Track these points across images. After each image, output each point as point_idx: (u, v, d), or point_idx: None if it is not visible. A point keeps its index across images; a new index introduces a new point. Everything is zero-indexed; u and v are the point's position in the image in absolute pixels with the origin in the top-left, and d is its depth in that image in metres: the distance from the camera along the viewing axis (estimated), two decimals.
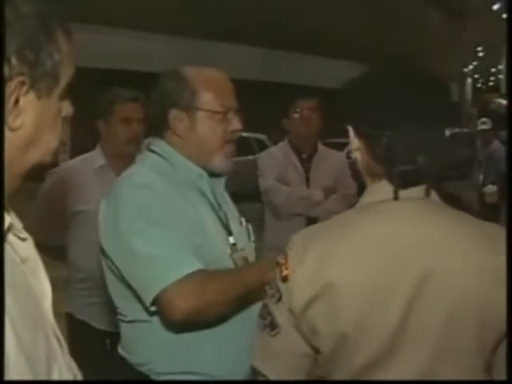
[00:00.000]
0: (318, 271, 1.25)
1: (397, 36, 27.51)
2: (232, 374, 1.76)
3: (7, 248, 0.87)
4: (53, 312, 0.98)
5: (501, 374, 1.26)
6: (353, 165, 1.37)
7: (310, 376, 1.34)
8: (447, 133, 1.35)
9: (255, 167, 3.94)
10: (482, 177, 7.50)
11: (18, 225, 0.94)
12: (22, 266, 0.93)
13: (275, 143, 4.17)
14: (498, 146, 7.67)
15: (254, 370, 1.39)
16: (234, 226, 1.89)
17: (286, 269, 1.30)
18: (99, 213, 1.77)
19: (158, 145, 1.85)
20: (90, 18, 15.52)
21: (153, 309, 1.66)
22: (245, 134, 13.05)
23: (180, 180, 1.80)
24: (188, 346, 1.73)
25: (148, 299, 1.64)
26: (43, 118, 0.91)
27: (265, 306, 1.35)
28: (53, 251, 2.71)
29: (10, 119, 0.85)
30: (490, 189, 7.13)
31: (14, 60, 0.84)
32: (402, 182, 1.27)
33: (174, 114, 1.81)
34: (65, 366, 0.95)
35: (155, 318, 1.72)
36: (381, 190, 1.30)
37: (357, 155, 1.35)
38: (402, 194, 1.28)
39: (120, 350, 1.85)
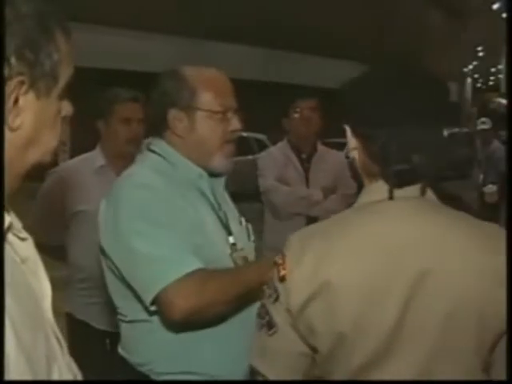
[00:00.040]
0: (316, 271, 1.25)
1: (397, 36, 27.51)
2: (232, 374, 1.76)
3: (7, 248, 0.87)
4: (53, 312, 0.98)
5: (499, 373, 1.26)
6: (351, 164, 1.37)
7: (308, 376, 1.34)
8: (446, 132, 1.35)
9: (255, 167, 3.94)
10: (481, 176, 7.51)
11: (18, 225, 0.94)
12: (22, 265, 0.93)
13: (275, 143, 4.17)
14: (497, 146, 7.67)
15: (252, 369, 1.39)
16: (233, 226, 1.89)
17: (284, 269, 1.30)
18: (99, 213, 1.77)
19: (158, 145, 1.85)
20: (88, 17, 15.52)
21: (153, 308, 1.67)
22: (244, 134, 13.05)
23: (180, 180, 1.80)
24: (188, 345, 1.73)
25: (148, 299, 1.64)
26: (43, 117, 0.91)
27: (263, 306, 1.36)
28: (53, 251, 2.71)
29: (9, 119, 0.85)
30: (490, 188, 7.13)
31: (13, 60, 0.85)
32: (398, 181, 1.28)
33: (173, 114, 1.81)
34: (65, 366, 0.95)
35: (155, 318, 1.72)
36: (378, 189, 1.30)
37: (354, 155, 1.35)
38: (398, 193, 1.29)
39: (120, 350, 1.85)
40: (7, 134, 0.85)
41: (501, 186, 6.96)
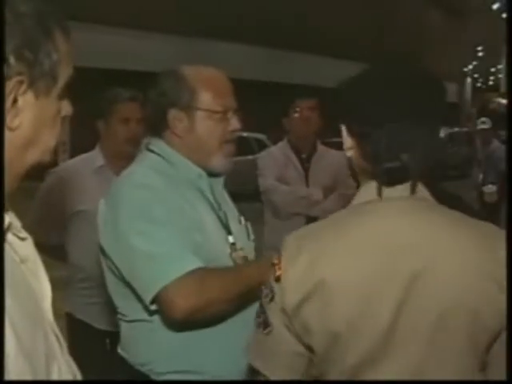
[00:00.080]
0: (310, 270, 1.26)
1: (397, 36, 27.52)
2: (232, 374, 1.76)
3: (7, 248, 0.87)
4: (53, 312, 0.98)
5: (497, 373, 1.26)
6: (350, 164, 1.38)
7: (306, 376, 1.34)
8: (445, 132, 1.35)
9: (255, 167, 3.94)
10: (481, 176, 7.51)
11: (18, 224, 0.94)
12: (22, 265, 0.93)
13: (275, 143, 4.18)
14: (497, 146, 7.68)
15: (250, 368, 1.40)
16: (233, 226, 1.89)
17: (279, 269, 1.30)
18: (98, 212, 1.77)
19: (157, 145, 1.85)
20: (87, 17, 15.53)
21: (153, 308, 1.67)
22: (244, 134, 13.07)
23: (179, 179, 1.80)
24: (188, 345, 1.73)
25: (148, 298, 1.64)
26: (42, 117, 0.91)
27: (260, 305, 1.36)
28: (52, 251, 2.71)
29: (8, 119, 0.85)
30: (490, 188, 7.14)
31: (12, 59, 0.84)
32: (387, 179, 1.27)
33: (173, 114, 1.81)
34: (64, 365, 0.95)
35: (155, 318, 1.72)
36: (372, 189, 1.30)
37: (350, 154, 1.35)
38: (391, 192, 1.29)
39: (120, 350, 1.84)
40: (6, 134, 0.85)
41: (500, 186, 6.96)
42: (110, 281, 1.79)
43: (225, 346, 1.76)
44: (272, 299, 1.31)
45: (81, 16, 13.40)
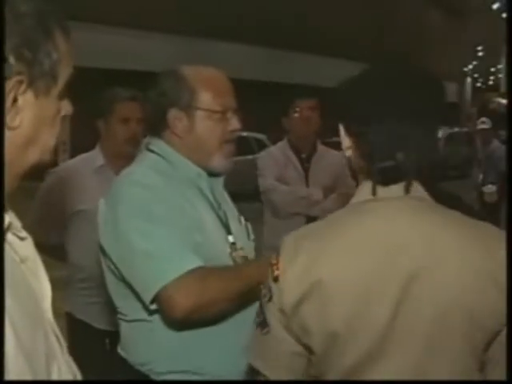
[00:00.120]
0: (308, 270, 1.26)
1: (397, 36, 27.52)
2: (232, 374, 1.75)
3: (6, 247, 0.87)
4: (52, 312, 0.98)
5: (496, 373, 1.26)
6: (349, 164, 1.38)
7: (305, 376, 1.34)
8: (445, 132, 1.35)
9: (254, 167, 3.94)
10: (481, 176, 7.52)
11: (18, 224, 0.94)
12: (22, 265, 0.93)
13: (275, 143, 4.17)
14: (497, 146, 7.69)
15: (251, 367, 1.40)
16: (233, 225, 1.89)
17: (277, 269, 1.31)
18: (98, 212, 1.77)
19: (157, 144, 1.85)
20: (87, 16, 15.53)
21: (153, 307, 1.66)
22: (244, 134, 13.08)
23: (179, 179, 1.80)
24: (188, 345, 1.73)
25: (148, 297, 1.64)
26: (42, 116, 0.91)
27: (260, 305, 1.37)
28: (52, 251, 2.71)
29: (8, 118, 0.85)
30: (490, 188, 7.15)
31: (11, 59, 0.84)
32: (383, 178, 1.27)
33: (173, 114, 1.81)
34: (64, 365, 0.95)
35: (155, 317, 1.72)
36: (369, 188, 1.30)
37: (349, 154, 1.35)
38: (388, 191, 1.29)
39: (119, 350, 1.84)
40: (6, 134, 0.85)
41: (500, 186, 6.97)
42: (110, 280, 1.79)
43: (225, 345, 1.76)
44: (270, 299, 1.32)
45: (81, 16, 13.41)
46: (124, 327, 1.82)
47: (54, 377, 0.90)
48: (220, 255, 1.78)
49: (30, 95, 0.88)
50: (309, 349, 1.30)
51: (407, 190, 1.28)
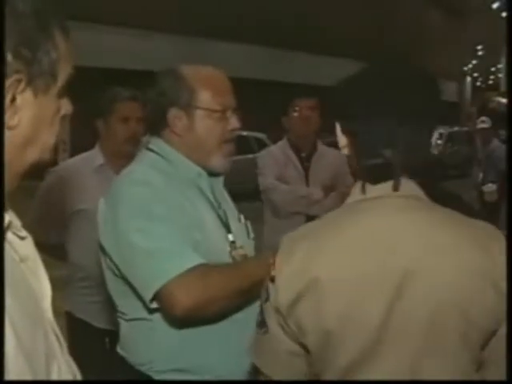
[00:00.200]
0: (304, 270, 1.26)
1: (397, 36, 27.52)
2: (232, 374, 1.75)
3: (6, 247, 0.87)
4: (52, 311, 0.98)
5: (495, 373, 1.25)
6: (349, 162, 1.38)
7: (308, 375, 1.34)
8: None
9: (254, 166, 3.94)
10: (481, 175, 7.52)
11: (17, 223, 0.94)
12: (22, 264, 0.93)
13: (275, 142, 4.17)
14: (497, 145, 7.68)
15: (253, 366, 1.41)
16: (233, 224, 1.89)
17: (274, 269, 1.31)
18: (98, 211, 1.77)
19: (156, 143, 1.85)
20: (87, 16, 15.52)
21: (153, 306, 1.66)
22: (244, 133, 13.07)
23: (179, 178, 1.80)
24: (188, 344, 1.73)
25: (148, 295, 1.64)
26: (41, 115, 0.91)
27: (260, 304, 1.37)
28: (52, 250, 2.72)
29: (6, 117, 0.85)
30: (490, 187, 7.15)
31: (9, 57, 0.84)
32: (372, 176, 1.28)
33: (172, 113, 1.81)
34: (64, 364, 0.95)
35: (155, 316, 1.72)
36: (371, 187, 1.30)
37: (345, 152, 1.35)
38: (379, 189, 1.29)
39: (119, 350, 1.84)
40: (5, 133, 0.85)
41: (500, 185, 6.97)
42: (110, 279, 1.79)
43: (225, 345, 1.76)
44: (267, 299, 1.32)
45: (80, 15, 13.40)
46: (124, 326, 1.82)
47: (54, 376, 0.90)
48: (220, 254, 1.78)
49: (28, 94, 0.88)
50: (305, 348, 1.30)
51: (395, 188, 1.28)
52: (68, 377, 0.96)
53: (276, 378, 1.35)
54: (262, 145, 12.01)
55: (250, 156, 10.67)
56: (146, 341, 1.76)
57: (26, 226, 0.96)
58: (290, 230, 1.38)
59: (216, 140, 1.83)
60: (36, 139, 0.91)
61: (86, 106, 2.68)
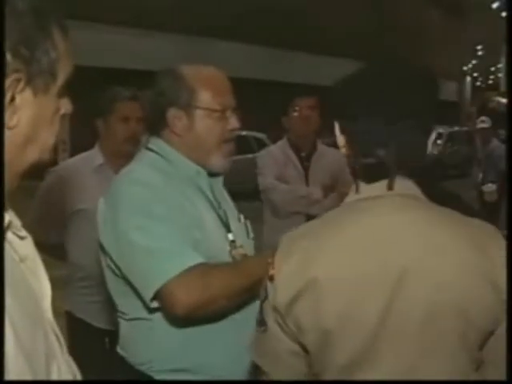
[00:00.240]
0: (302, 269, 1.26)
1: (397, 36, 27.52)
2: (232, 373, 1.75)
3: (6, 247, 0.87)
4: (52, 311, 0.98)
5: (493, 373, 1.25)
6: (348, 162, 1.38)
7: (308, 375, 1.34)
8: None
9: (254, 166, 3.94)
10: (481, 175, 7.52)
11: (17, 223, 0.93)
12: (21, 264, 0.93)
13: (274, 142, 4.17)
14: (497, 145, 7.69)
15: (254, 365, 1.41)
16: (232, 224, 1.89)
17: (273, 268, 1.31)
18: (98, 211, 1.77)
19: (156, 143, 1.85)
20: (86, 15, 15.52)
21: (153, 305, 1.66)
22: (244, 133, 13.08)
23: (179, 177, 1.80)
24: (188, 344, 1.73)
25: (149, 295, 1.64)
26: (40, 115, 0.91)
27: (260, 303, 1.37)
28: (52, 250, 2.72)
29: (5, 117, 0.85)
30: (489, 187, 7.15)
31: (8, 57, 0.84)
32: (366, 175, 1.28)
33: (172, 113, 1.81)
34: (64, 364, 0.95)
35: (155, 316, 1.72)
36: (368, 186, 1.30)
37: (344, 152, 1.35)
38: (373, 189, 1.29)
39: (119, 349, 1.84)
40: (5, 132, 0.85)
41: (500, 185, 6.97)
42: (110, 279, 1.79)
43: (225, 345, 1.76)
44: (266, 298, 1.32)
45: (80, 14, 13.41)
46: (123, 326, 1.82)
47: (54, 376, 0.90)
48: (220, 253, 1.78)
49: (28, 93, 0.88)
50: (304, 348, 1.30)
51: (390, 187, 1.28)
52: (68, 377, 0.95)
53: (276, 376, 1.35)
54: (261, 145, 12.01)
55: (250, 156, 10.66)
56: (146, 340, 1.76)
57: (25, 226, 0.96)
58: (289, 230, 1.38)
59: (216, 140, 1.83)
60: (36, 139, 0.91)
61: (86, 106, 2.68)
